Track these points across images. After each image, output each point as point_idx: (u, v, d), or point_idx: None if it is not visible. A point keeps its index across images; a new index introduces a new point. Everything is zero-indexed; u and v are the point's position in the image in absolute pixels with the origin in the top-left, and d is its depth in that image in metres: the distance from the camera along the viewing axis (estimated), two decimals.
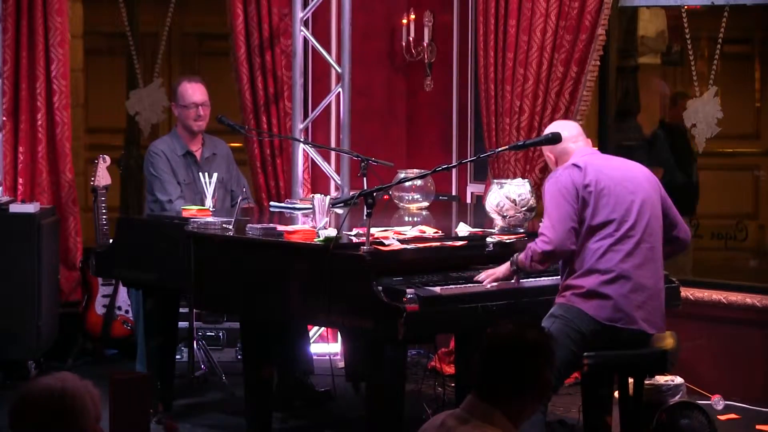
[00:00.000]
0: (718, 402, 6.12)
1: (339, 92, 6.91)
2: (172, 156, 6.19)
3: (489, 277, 4.75)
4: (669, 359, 4.63)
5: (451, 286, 4.66)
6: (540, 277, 4.90)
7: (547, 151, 4.91)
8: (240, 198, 5.52)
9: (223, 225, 5.18)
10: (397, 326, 4.40)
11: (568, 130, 4.89)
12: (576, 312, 4.57)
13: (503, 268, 4.75)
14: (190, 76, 6.44)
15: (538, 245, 4.61)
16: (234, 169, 6.45)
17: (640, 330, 4.60)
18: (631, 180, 4.71)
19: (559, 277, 4.82)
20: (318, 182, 7.17)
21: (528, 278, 4.85)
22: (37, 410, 2.71)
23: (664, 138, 7.32)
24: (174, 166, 6.18)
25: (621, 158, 4.96)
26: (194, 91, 6.23)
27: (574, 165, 4.68)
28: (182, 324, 6.15)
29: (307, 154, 7.03)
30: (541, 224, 4.69)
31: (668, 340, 4.72)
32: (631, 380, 4.79)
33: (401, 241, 4.76)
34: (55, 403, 2.71)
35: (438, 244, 4.95)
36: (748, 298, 6.32)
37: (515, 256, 4.72)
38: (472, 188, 7.21)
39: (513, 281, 4.78)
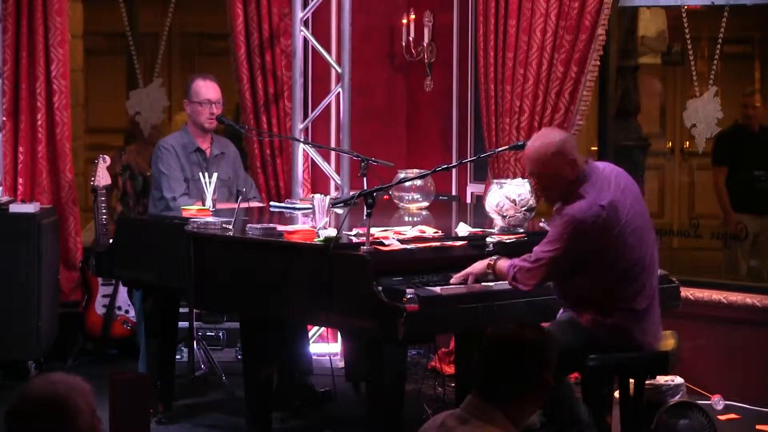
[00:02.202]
0: (718, 402, 6.12)
1: (339, 92, 6.91)
2: (181, 151, 6.18)
3: (462, 277, 4.67)
4: (670, 360, 4.63)
5: (451, 286, 4.65)
6: None
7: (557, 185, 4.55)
8: (240, 198, 5.51)
9: (223, 225, 5.18)
10: (397, 326, 4.39)
11: (567, 148, 4.51)
12: (587, 338, 4.52)
13: (479, 267, 4.67)
14: (205, 74, 6.37)
15: (520, 279, 4.52)
16: (241, 170, 6.45)
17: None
18: (644, 208, 4.60)
19: None
20: (318, 182, 7.17)
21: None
22: (30, 420, 2.71)
23: (732, 137, 7.25)
24: (183, 162, 6.18)
25: (622, 176, 4.63)
26: (208, 89, 6.22)
27: (601, 207, 4.42)
28: (182, 324, 6.15)
29: (307, 154, 7.03)
30: (539, 248, 4.52)
31: (669, 341, 4.71)
32: (631, 381, 4.79)
33: (401, 241, 4.75)
34: (49, 410, 2.70)
35: (438, 244, 4.94)
36: (748, 298, 6.32)
37: (495, 261, 4.65)
38: (472, 188, 7.21)
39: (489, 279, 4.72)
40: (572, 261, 4.48)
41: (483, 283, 4.72)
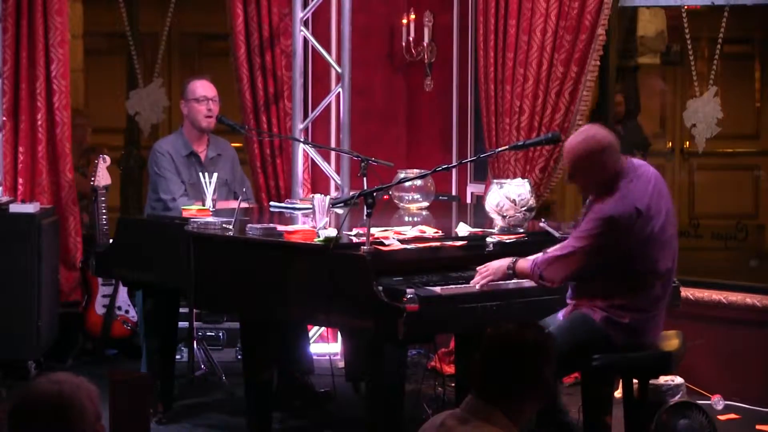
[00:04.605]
0: (718, 402, 6.12)
1: (339, 92, 6.91)
2: (176, 156, 6.18)
3: (483, 279, 4.68)
4: (673, 360, 4.62)
5: (451, 286, 4.65)
6: None
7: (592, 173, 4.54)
8: (240, 198, 5.51)
9: (223, 225, 5.18)
10: (397, 326, 4.39)
11: (607, 143, 4.53)
12: (599, 336, 4.52)
13: (500, 271, 4.67)
14: (200, 75, 6.41)
15: (548, 276, 4.52)
16: (238, 170, 6.44)
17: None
18: (674, 218, 4.62)
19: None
20: (318, 182, 7.17)
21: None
22: (35, 418, 2.69)
23: None
24: (178, 165, 6.17)
25: (660, 182, 4.63)
26: (204, 86, 6.23)
27: (637, 210, 4.45)
28: (182, 324, 6.15)
29: (307, 154, 7.03)
30: (569, 241, 4.55)
31: (674, 340, 4.71)
32: (634, 381, 4.78)
33: (401, 241, 4.75)
34: (53, 409, 2.68)
35: (438, 244, 4.94)
36: (748, 298, 6.32)
37: (514, 263, 4.65)
38: (472, 188, 7.21)
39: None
40: (600, 259, 4.48)
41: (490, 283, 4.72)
